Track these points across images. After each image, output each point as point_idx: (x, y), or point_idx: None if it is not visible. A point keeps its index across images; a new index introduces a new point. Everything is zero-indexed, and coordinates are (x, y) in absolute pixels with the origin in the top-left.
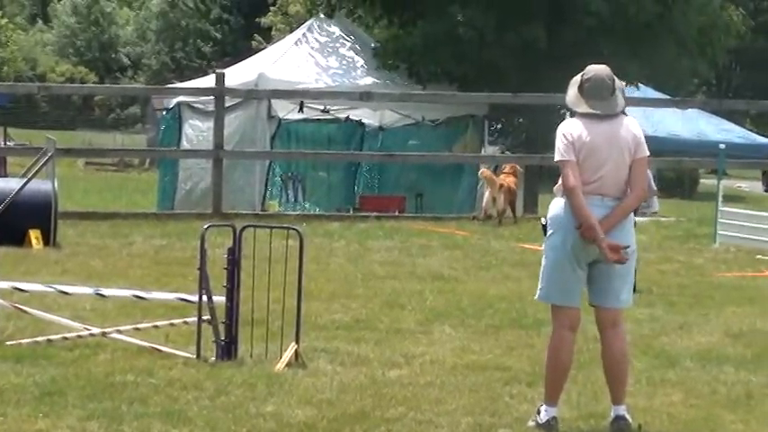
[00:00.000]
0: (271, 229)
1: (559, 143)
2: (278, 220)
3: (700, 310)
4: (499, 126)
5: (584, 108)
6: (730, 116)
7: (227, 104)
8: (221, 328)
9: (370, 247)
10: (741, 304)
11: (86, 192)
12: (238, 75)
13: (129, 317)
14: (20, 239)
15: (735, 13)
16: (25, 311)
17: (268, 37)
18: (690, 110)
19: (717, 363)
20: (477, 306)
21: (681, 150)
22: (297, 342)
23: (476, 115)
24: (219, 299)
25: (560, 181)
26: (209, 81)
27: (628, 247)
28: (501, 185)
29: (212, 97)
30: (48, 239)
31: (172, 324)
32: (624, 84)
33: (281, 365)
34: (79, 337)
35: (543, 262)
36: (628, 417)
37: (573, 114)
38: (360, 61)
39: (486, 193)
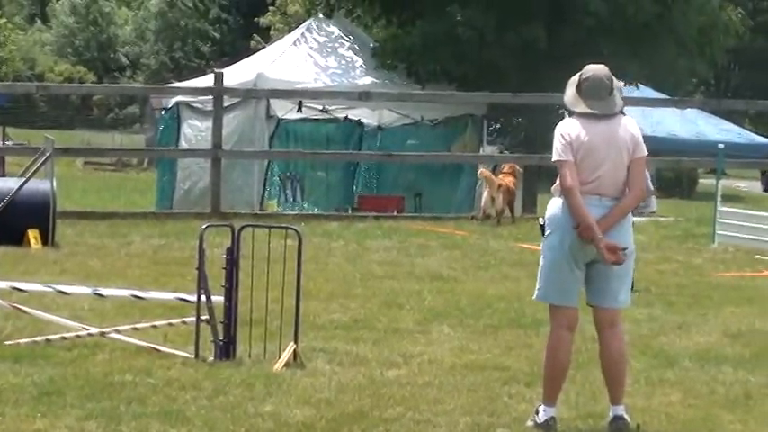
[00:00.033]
0: (269, 228)
1: (557, 143)
2: (276, 220)
3: (698, 310)
4: (498, 126)
5: (582, 108)
6: (729, 116)
7: (225, 104)
8: (220, 327)
9: (369, 246)
10: (740, 304)
11: (85, 191)
12: (237, 74)
13: (127, 317)
14: (18, 239)
15: (734, 13)
16: (24, 311)
17: (267, 37)
18: (689, 110)
19: (715, 363)
20: (475, 306)
21: (680, 150)
22: (295, 342)
23: (474, 115)
24: (218, 299)
25: (558, 181)
26: (207, 81)
27: (626, 249)
28: (500, 185)
29: (211, 97)
30: (46, 239)
31: (170, 324)
32: (623, 84)
33: (279, 365)
34: (78, 336)
35: (541, 262)
36: (626, 417)
37: (571, 114)
38: (358, 61)
39: (485, 193)
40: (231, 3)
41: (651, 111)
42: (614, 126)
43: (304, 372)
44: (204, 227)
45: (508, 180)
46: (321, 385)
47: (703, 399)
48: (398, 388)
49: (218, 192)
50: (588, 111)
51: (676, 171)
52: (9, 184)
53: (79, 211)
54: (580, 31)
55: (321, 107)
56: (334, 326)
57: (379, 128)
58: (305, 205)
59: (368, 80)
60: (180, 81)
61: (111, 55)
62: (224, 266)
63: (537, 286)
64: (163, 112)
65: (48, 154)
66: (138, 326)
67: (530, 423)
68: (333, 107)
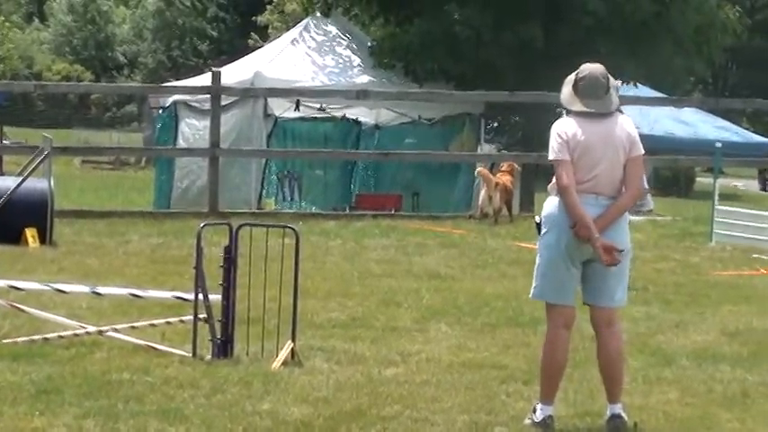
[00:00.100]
0: (267, 227)
1: (554, 142)
2: (274, 219)
3: (696, 309)
4: (495, 125)
5: (578, 107)
6: (726, 115)
7: (223, 103)
8: (217, 326)
9: (367, 245)
10: (737, 303)
11: (83, 190)
12: (235, 73)
13: (125, 315)
14: (16, 238)
15: (731, 12)
16: (21, 310)
17: (264, 35)
18: (686, 108)
19: (713, 361)
20: (473, 304)
21: (677, 149)
22: (293, 340)
23: (472, 114)
24: (216, 297)
25: (554, 180)
26: (205, 79)
27: (622, 250)
28: (497, 184)
29: (209, 96)
30: (44, 238)
31: (168, 322)
32: (620, 82)
33: (277, 364)
34: (75, 335)
35: (537, 260)
36: (624, 415)
37: (568, 113)
38: (356, 60)
39: (483, 192)
40: (229, 1)
41: (649, 109)
42: (611, 125)
43: (302, 370)
44: (202, 225)
45: (505, 179)
46: (319, 384)
47: (701, 397)
48: (396, 386)
49: (215, 190)
50: (585, 109)
51: (674, 170)
52: (7, 182)
53: (77, 210)
54: (577, 30)
55: (319, 106)
56: (332, 324)
57: (377, 126)
58: (303, 204)
59: (365, 79)
60: (178, 80)
61: (109, 53)
62: (222, 265)
63: (533, 284)
64: (160, 111)
65: (45, 153)
66: (135, 324)
67: (527, 421)
68: (330, 106)
